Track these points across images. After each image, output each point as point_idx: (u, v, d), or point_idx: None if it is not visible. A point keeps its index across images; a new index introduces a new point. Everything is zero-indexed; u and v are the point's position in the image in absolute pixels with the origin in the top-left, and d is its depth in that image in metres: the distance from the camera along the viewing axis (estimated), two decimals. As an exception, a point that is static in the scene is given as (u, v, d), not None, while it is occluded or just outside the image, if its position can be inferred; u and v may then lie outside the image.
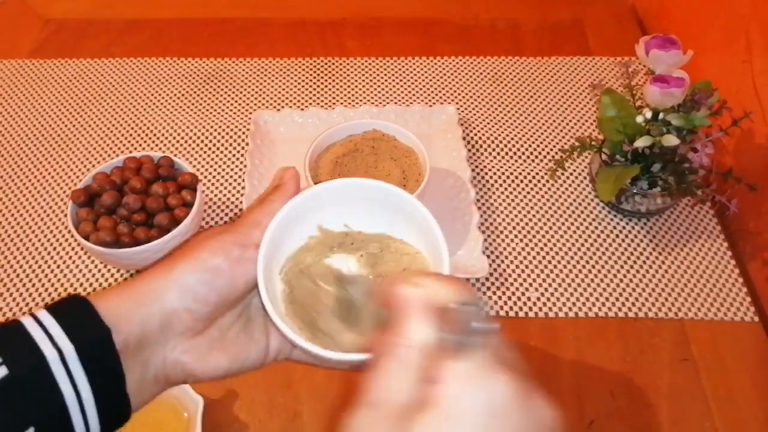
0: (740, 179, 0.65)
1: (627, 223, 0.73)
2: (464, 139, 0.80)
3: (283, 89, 0.88)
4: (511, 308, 0.66)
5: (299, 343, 0.33)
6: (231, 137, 0.82)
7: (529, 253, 0.71)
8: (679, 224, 0.73)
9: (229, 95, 0.87)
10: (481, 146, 0.81)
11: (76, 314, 0.32)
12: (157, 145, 0.81)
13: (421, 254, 0.38)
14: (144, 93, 0.87)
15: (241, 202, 0.75)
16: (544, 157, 0.80)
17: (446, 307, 0.27)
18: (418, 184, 0.68)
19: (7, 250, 0.71)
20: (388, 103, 0.86)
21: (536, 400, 0.26)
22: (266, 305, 0.34)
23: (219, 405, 0.59)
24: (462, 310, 0.27)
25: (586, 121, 0.84)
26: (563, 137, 0.82)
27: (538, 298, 0.67)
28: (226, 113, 0.85)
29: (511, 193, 0.76)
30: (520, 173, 0.78)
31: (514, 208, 0.75)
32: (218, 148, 0.81)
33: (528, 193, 0.76)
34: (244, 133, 0.82)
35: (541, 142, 0.82)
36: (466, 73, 0.90)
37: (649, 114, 0.65)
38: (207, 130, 0.83)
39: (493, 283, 0.68)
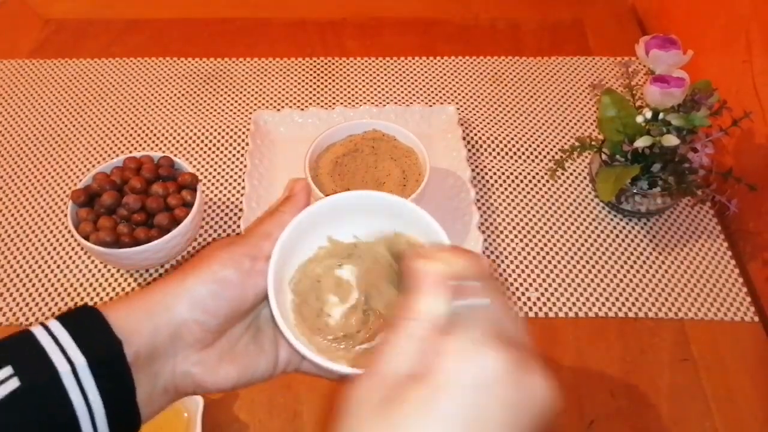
0: (740, 179, 0.65)
1: (627, 223, 0.73)
2: (464, 139, 0.80)
3: (283, 89, 0.88)
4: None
5: (308, 356, 0.33)
6: (231, 137, 0.82)
7: (529, 253, 0.71)
8: (679, 224, 0.73)
9: (229, 95, 0.87)
10: (481, 146, 0.81)
11: (88, 326, 0.32)
12: (157, 145, 0.81)
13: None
14: (144, 93, 0.87)
15: (241, 202, 0.75)
16: (544, 157, 0.80)
17: (458, 281, 0.28)
18: (418, 184, 0.68)
19: (7, 250, 0.71)
20: (388, 103, 0.86)
21: (530, 375, 0.27)
22: (276, 317, 0.34)
23: (219, 405, 0.59)
24: (466, 285, 0.27)
25: (586, 121, 0.84)
26: (563, 137, 0.82)
27: (538, 298, 0.67)
28: (226, 113, 0.85)
29: (511, 193, 0.76)
30: (520, 173, 0.78)
31: (514, 208, 0.75)
32: (218, 148, 0.81)
33: (528, 193, 0.76)
34: (244, 133, 0.82)
35: (541, 142, 0.82)
36: (466, 73, 0.90)
37: (649, 114, 0.65)
38: (207, 130, 0.83)
39: (493, 283, 0.68)
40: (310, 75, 0.90)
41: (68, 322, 0.31)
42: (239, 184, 0.77)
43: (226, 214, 0.74)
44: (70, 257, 0.70)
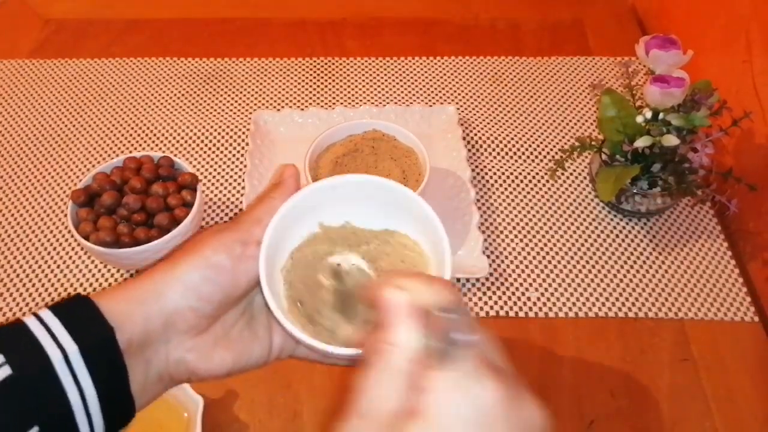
0: (740, 179, 0.65)
1: (627, 223, 0.73)
2: (464, 139, 0.80)
3: (283, 89, 0.88)
4: (511, 308, 0.66)
5: (302, 339, 0.33)
6: (231, 137, 0.82)
7: (529, 253, 0.71)
8: (679, 224, 0.73)
9: (229, 95, 0.87)
10: (481, 146, 0.81)
11: (80, 314, 0.32)
12: (157, 145, 0.81)
13: (422, 250, 0.38)
14: (144, 93, 0.87)
15: (241, 202, 0.75)
16: (544, 157, 0.80)
17: (430, 312, 0.27)
18: (418, 184, 0.68)
19: (7, 250, 0.71)
20: (388, 103, 0.86)
21: (525, 403, 0.26)
22: (269, 302, 0.34)
23: (219, 405, 0.59)
24: (445, 318, 0.26)
25: (586, 121, 0.84)
26: (563, 137, 0.82)
27: (538, 298, 0.67)
28: (226, 113, 0.85)
29: (511, 193, 0.76)
30: (520, 173, 0.78)
31: (514, 208, 0.75)
32: (218, 148, 0.81)
33: (528, 193, 0.76)
34: (244, 133, 0.82)
35: (541, 142, 0.82)
36: (466, 73, 0.90)
37: (649, 114, 0.65)
38: (207, 130, 0.83)
39: (493, 283, 0.68)
40: (310, 75, 0.90)
41: (60, 310, 0.31)
42: (239, 184, 0.77)
43: (226, 214, 0.74)
44: (70, 257, 0.70)
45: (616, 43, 0.94)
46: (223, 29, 0.97)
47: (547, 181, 0.77)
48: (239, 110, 0.85)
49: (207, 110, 0.85)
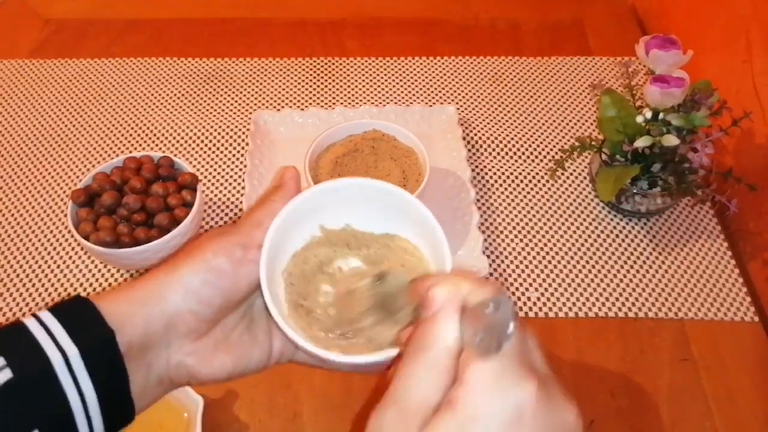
0: (740, 179, 0.65)
1: (627, 223, 0.73)
2: (464, 139, 0.80)
3: (283, 89, 0.88)
4: (511, 308, 0.66)
5: (301, 345, 0.33)
6: (231, 137, 0.82)
7: (529, 253, 0.71)
8: (679, 224, 0.73)
9: (229, 95, 0.87)
10: (481, 146, 0.81)
11: (80, 316, 0.31)
12: (157, 145, 0.81)
13: (422, 254, 0.38)
14: (144, 93, 0.87)
15: (241, 202, 0.75)
16: (544, 157, 0.80)
17: (477, 309, 0.27)
18: (418, 184, 0.68)
19: (7, 250, 0.71)
20: (388, 103, 0.86)
21: (560, 405, 0.26)
22: (269, 306, 0.34)
23: (219, 405, 0.59)
24: (488, 314, 0.26)
25: (586, 121, 0.84)
26: (563, 137, 0.82)
27: (538, 298, 0.67)
28: (226, 113, 0.85)
29: (511, 193, 0.76)
30: (520, 173, 0.78)
31: (514, 208, 0.75)
32: (218, 148, 0.81)
33: (528, 193, 0.76)
34: (244, 133, 0.82)
35: (541, 142, 0.82)
36: (466, 73, 0.90)
37: (649, 114, 0.65)
38: (207, 130, 0.83)
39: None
40: (310, 75, 0.90)
41: (60, 312, 0.31)
42: (239, 184, 0.77)
43: (226, 214, 0.74)
44: (70, 257, 0.70)
45: (616, 43, 0.94)
46: (223, 29, 0.97)
47: (547, 181, 0.77)
48: (239, 110, 0.85)
49: (207, 110, 0.85)
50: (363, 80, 0.89)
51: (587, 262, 0.70)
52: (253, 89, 0.88)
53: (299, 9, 1.00)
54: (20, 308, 0.66)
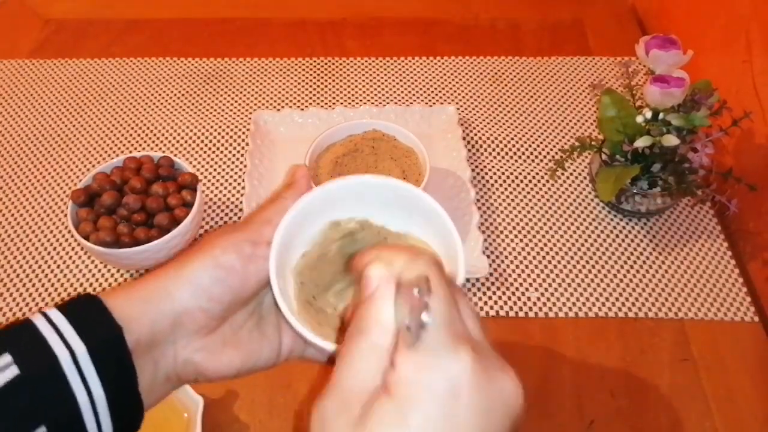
0: (740, 179, 0.65)
1: (627, 223, 0.73)
2: (464, 139, 0.80)
3: (283, 89, 0.88)
4: (511, 308, 0.66)
5: (312, 340, 0.33)
6: (231, 137, 0.82)
7: (529, 253, 0.71)
8: (679, 224, 0.73)
9: (229, 95, 0.87)
10: (481, 146, 0.81)
11: (88, 313, 0.31)
12: (157, 145, 0.81)
13: (433, 250, 0.38)
14: (144, 93, 0.87)
15: (241, 202, 0.75)
16: (544, 157, 0.80)
17: (408, 290, 0.26)
18: (418, 184, 0.67)
19: (7, 250, 0.71)
20: (388, 103, 0.86)
21: (498, 373, 0.26)
22: (279, 302, 0.34)
23: (219, 405, 0.59)
24: (418, 297, 0.26)
25: (586, 121, 0.84)
26: (563, 137, 0.82)
27: (538, 298, 0.67)
28: (226, 113, 0.85)
29: (511, 193, 0.76)
30: (520, 173, 0.78)
31: (514, 208, 0.75)
32: (218, 148, 0.81)
33: (528, 193, 0.76)
34: (244, 133, 0.82)
35: (541, 142, 0.82)
36: (466, 73, 0.90)
37: (649, 114, 0.65)
38: (207, 130, 0.83)
39: (493, 283, 0.68)
40: (310, 75, 0.90)
41: (68, 310, 0.31)
42: (239, 184, 0.77)
43: (226, 214, 0.74)
44: (70, 257, 0.70)
45: (616, 43, 0.94)
46: (223, 29, 0.97)
47: (547, 181, 0.77)
48: (239, 110, 0.85)
49: (207, 110, 0.85)
50: (363, 80, 0.89)
51: (587, 262, 0.70)
52: (253, 89, 0.88)
53: (299, 9, 1.00)
54: (20, 308, 0.66)
